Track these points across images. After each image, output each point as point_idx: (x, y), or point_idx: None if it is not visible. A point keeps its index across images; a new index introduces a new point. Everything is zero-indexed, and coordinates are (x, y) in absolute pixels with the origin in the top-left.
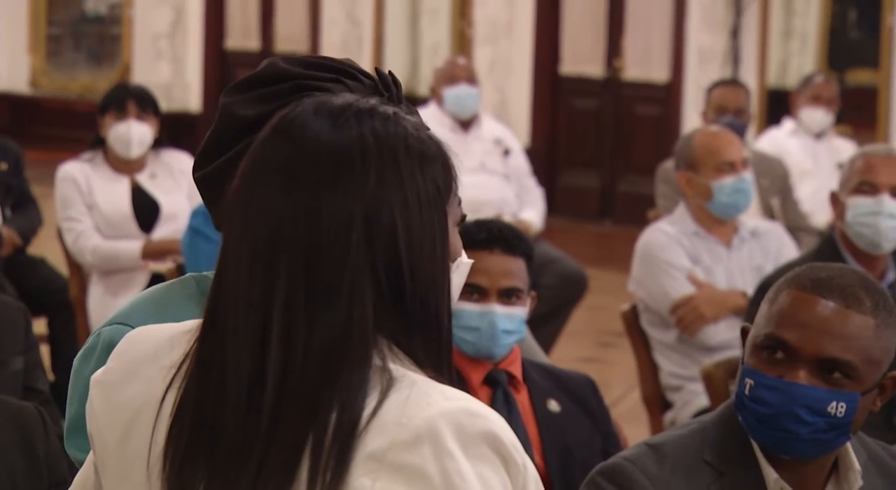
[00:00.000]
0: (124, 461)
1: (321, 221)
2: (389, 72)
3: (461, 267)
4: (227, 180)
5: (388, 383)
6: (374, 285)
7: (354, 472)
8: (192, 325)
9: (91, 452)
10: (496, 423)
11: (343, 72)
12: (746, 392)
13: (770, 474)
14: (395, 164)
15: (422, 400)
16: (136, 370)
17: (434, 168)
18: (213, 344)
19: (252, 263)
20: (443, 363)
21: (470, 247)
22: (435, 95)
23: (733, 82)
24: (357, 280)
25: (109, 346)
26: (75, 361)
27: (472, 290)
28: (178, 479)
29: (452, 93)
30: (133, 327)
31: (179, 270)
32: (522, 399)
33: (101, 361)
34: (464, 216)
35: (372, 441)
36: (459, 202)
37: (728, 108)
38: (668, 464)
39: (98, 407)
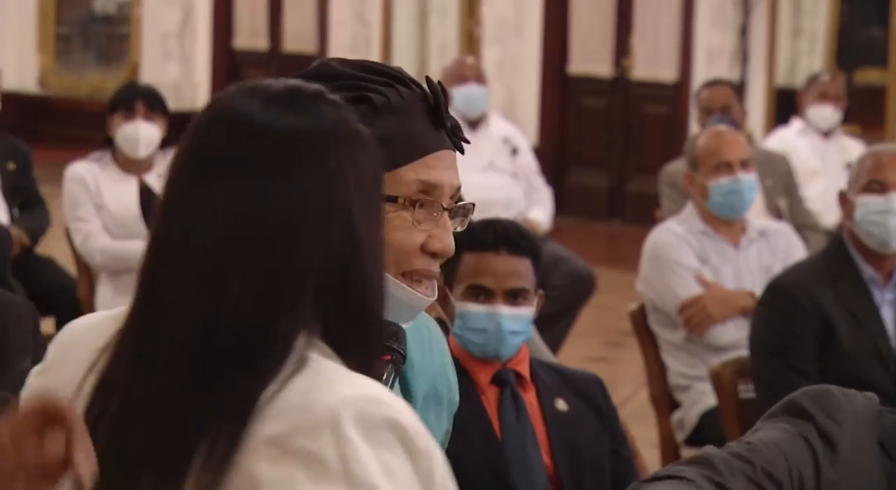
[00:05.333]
0: None
1: (275, 207)
2: (439, 82)
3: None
4: None
5: (296, 369)
6: (321, 270)
7: (252, 455)
8: (121, 311)
9: None
10: (399, 410)
11: (394, 77)
12: None
13: None
14: (345, 148)
15: (325, 387)
16: (67, 356)
17: (372, 154)
18: (141, 324)
19: (196, 244)
20: (371, 353)
21: (476, 248)
22: None
23: (717, 82)
24: (303, 264)
25: None
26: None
27: (479, 292)
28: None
29: (462, 92)
30: None
31: None
32: (530, 398)
33: None
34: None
35: (270, 425)
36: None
37: (713, 108)
38: (868, 419)
39: (31, 394)
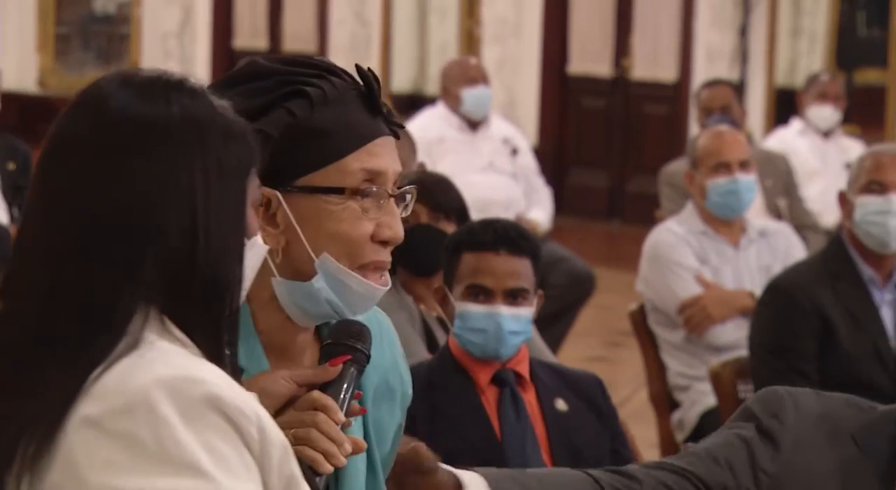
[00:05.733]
0: None
1: (115, 189)
2: (369, 68)
3: (255, 247)
4: None
5: (127, 350)
6: (161, 251)
7: (71, 436)
8: None
9: None
10: (220, 386)
11: (326, 68)
12: None
13: None
14: (199, 134)
15: (144, 368)
16: None
17: (237, 144)
18: (1, 301)
19: (50, 222)
20: (217, 341)
21: (475, 248)
22: (448, 95)
23: (716, 82)
24: (139, 247)
25: None
26: None
27: (478, 291)
28: None
29: (472, 94)
30: None
31: None
32: (530, 398)
33: None
34: (266, 198)
35: (90, 406)
36: (259, 185)
37: (713, 108)
38: (821, 417)
39: None
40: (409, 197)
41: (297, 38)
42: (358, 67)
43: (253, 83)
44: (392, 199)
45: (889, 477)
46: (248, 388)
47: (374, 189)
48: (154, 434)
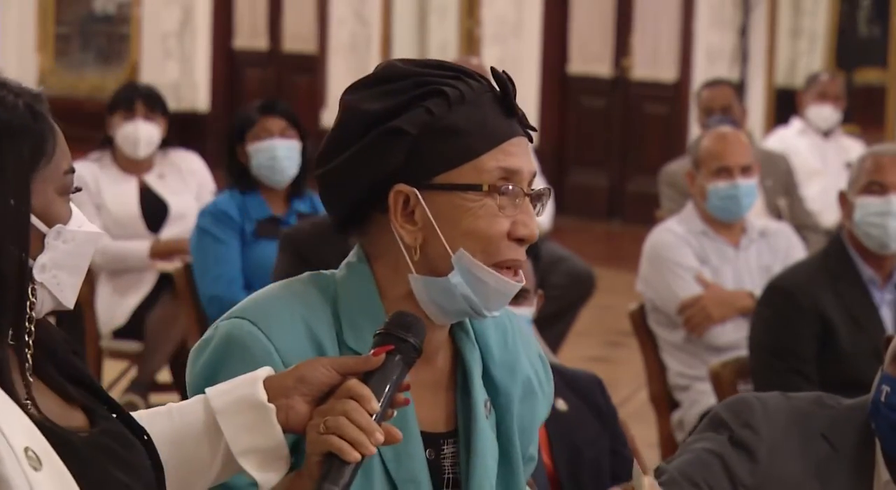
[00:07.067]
0: None
1: None
2: (504, 72)
3: (64, 234)
4: (351, 176)
5: None
6: None
7: None
8: None
9: None
10: None
11: (461, 71)
12: (883, 399)
13: (883, 475)
14: None
15: None
16: None
17: (17, 140)
18: None
19: None
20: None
21: None
22: None
23: (717, 82)
24: None
25: (227, 340)
26: (191, 352)
27: None
28: None
29: None
30: (251, 321)
31: (188, 270)
32: None
33: (215, 354)
34: (78, 189)
35: None
36: (68, 172)
37: (714, 108)
38: (791, 420)
39: None
40: (544, 197)
41: (297, 37)
42: (493, 70)
43: (391, 84)
44: (527, 198)
45: (864, 468)
46: (289, 375)
47: (511, 187)
48: None
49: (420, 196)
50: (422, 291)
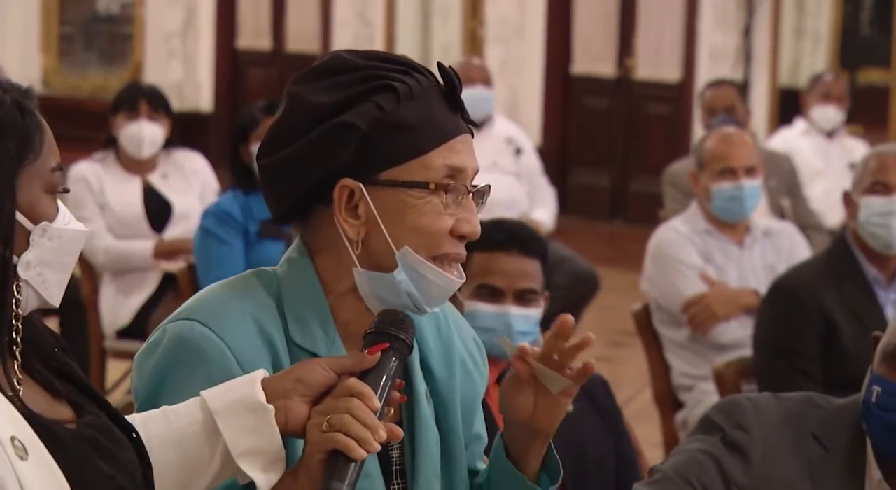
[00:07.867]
0: None
1: None
2: (450, 67)
3: (49, 231)
4: (298, 168)
5: None
6: None
7: None
8: None
9: None
10: None
11: (409, 65)
12: (874, 399)
13: (874, 475)
14: None
15: None
16: None
17: (4, 136)
18: None
19: None
20: None
21: (486, 247)
22: None
23: (720, 82)
24: None
25: (178, 342)
26: (136, 356)
27: (488, 291)
28: None
29: (468, 94)
30: (201, 322)
31: (191, 270)
32: None
33: (165, 357)
34: (66, 189)
35: None
36: (56, 169)
37: (717, 108)
38: (783, 420)
39: None
40: (486, 194)
41: (301, 38)
42: (440, 65)
43: (338, 77)
44: (470, 195)
45: (856, 467)
46: (286, 376)
47: (456, 185)
48: None
49: (365, 191)
50: (365, 286)
